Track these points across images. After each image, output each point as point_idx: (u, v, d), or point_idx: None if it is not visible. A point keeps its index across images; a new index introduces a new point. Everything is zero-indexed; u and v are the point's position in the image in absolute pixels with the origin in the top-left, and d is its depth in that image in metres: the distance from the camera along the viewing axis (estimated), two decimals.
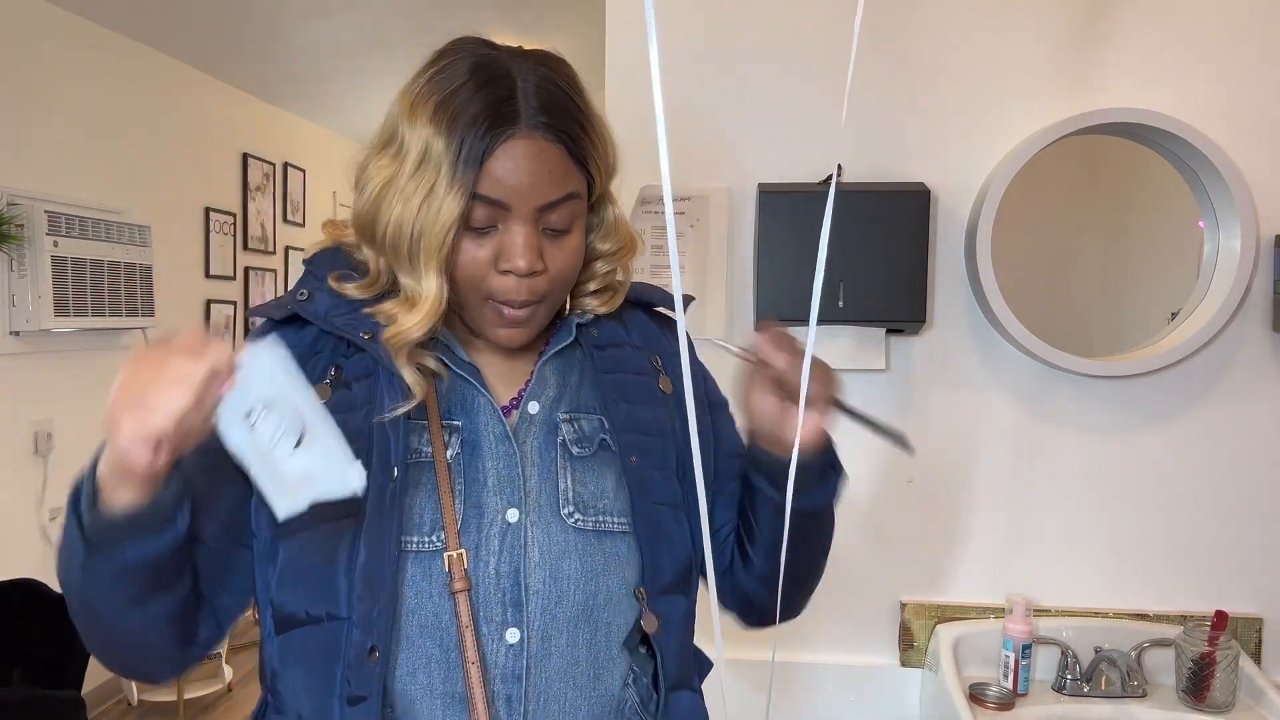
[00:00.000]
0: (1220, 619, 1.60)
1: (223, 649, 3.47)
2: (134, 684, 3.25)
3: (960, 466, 1.76)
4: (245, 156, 4.34)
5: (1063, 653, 1.66)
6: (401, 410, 0.83)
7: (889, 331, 1.72)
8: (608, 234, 0.92)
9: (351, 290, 0.87)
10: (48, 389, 3.13)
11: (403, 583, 0.81)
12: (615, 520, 0.88)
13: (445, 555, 0.82)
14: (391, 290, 0.86)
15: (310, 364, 0.85)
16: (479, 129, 0.79)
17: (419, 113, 0.81)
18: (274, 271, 4.63)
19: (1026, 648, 1.64)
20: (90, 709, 2.99)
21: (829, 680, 1.77)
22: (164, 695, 3.28)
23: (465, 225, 0.81)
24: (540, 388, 0.91)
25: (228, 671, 3.49)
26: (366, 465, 0.79)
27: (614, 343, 0.95)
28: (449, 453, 0.85)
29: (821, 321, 1.67)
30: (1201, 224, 1.72)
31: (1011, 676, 1.63)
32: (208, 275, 4.07)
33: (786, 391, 0.86)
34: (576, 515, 0.86)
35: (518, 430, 0.88)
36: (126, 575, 0.77)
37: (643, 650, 0.90)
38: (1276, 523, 1.72)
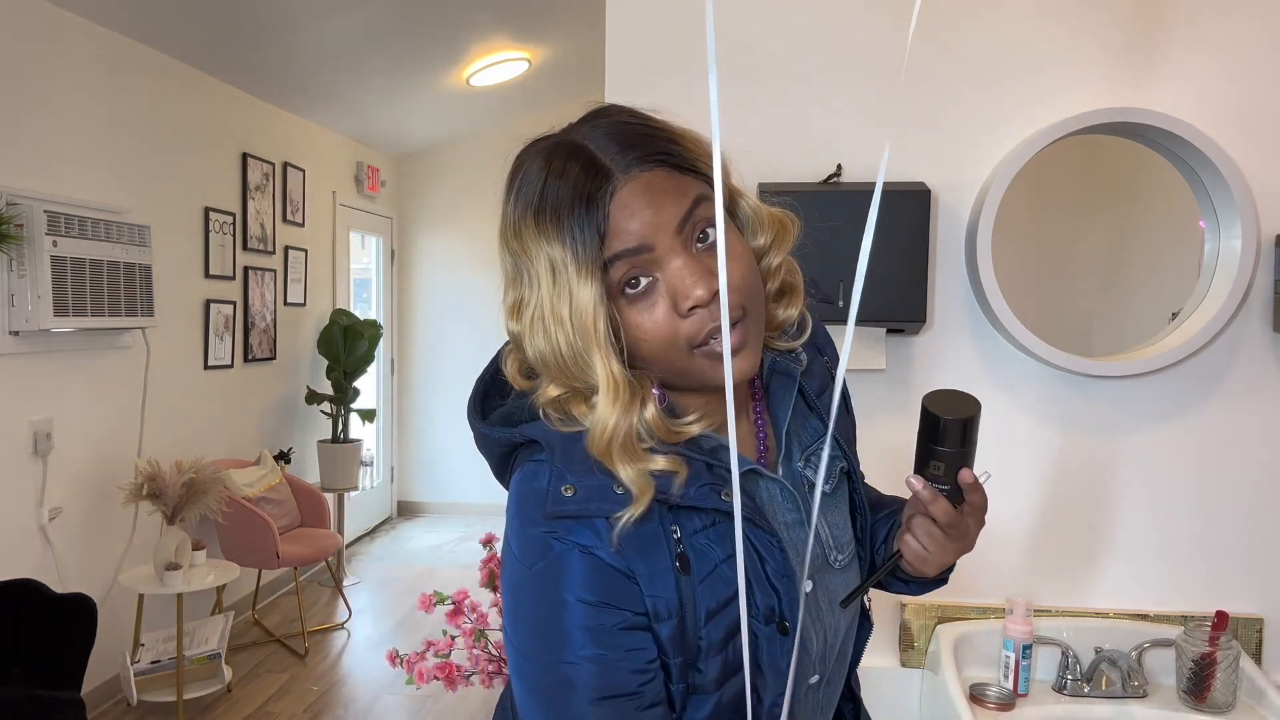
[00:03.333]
0: (1221, 619, 1.59)
1: (222, 649, 3.47)
2: (133, 684, 3.25)
3: None
4: (245, 156, 4.34)
5: (1063, 653, 1.66)
6: (630, 517, 0.76)
7: (889, 331, 1.71)
8: (756, 228, 0.87)
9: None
10: (47, 389, 3.13)
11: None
12: (853, 548, 0.94)
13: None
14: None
15: (659, 530, 0.79)
16: (580, 207, 0.75)
17: (526, 236, 0.77)
18: (273, 271, 4.63)
19: (1027, 648, 1.64)
20: (90, 709, 2.99)
21: None
22: (164, 695, 3.28)
23: (621, 294, 0.76)
24: (783, 454, 0.90)
25: (227, 672, 3.48)
26: (748, 617, 0.78)
27: (809, 362, 0.93)
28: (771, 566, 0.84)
29: (823, 321, 1.67)
30: (1202, 224, 1.72)
31: (1012, 677, 1.63)
32: (207, 275, 4.07)
33: (948, 531, 0.88)
34: (839, 558, 0.91)
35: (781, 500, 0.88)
36: None
37: None
38: (1276, 523, 1.72)
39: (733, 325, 0.77)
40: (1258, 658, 1.70)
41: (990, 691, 1.60)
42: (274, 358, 4.67)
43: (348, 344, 4.98)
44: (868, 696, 1.76)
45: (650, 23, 1.74)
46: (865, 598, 0.99)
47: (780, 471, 0.88)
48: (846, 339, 0.76)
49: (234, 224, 4.26)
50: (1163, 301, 1.81)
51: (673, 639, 0.79)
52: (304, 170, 4.91)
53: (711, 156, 0.80)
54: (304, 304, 4.99)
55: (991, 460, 1.75)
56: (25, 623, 2.56)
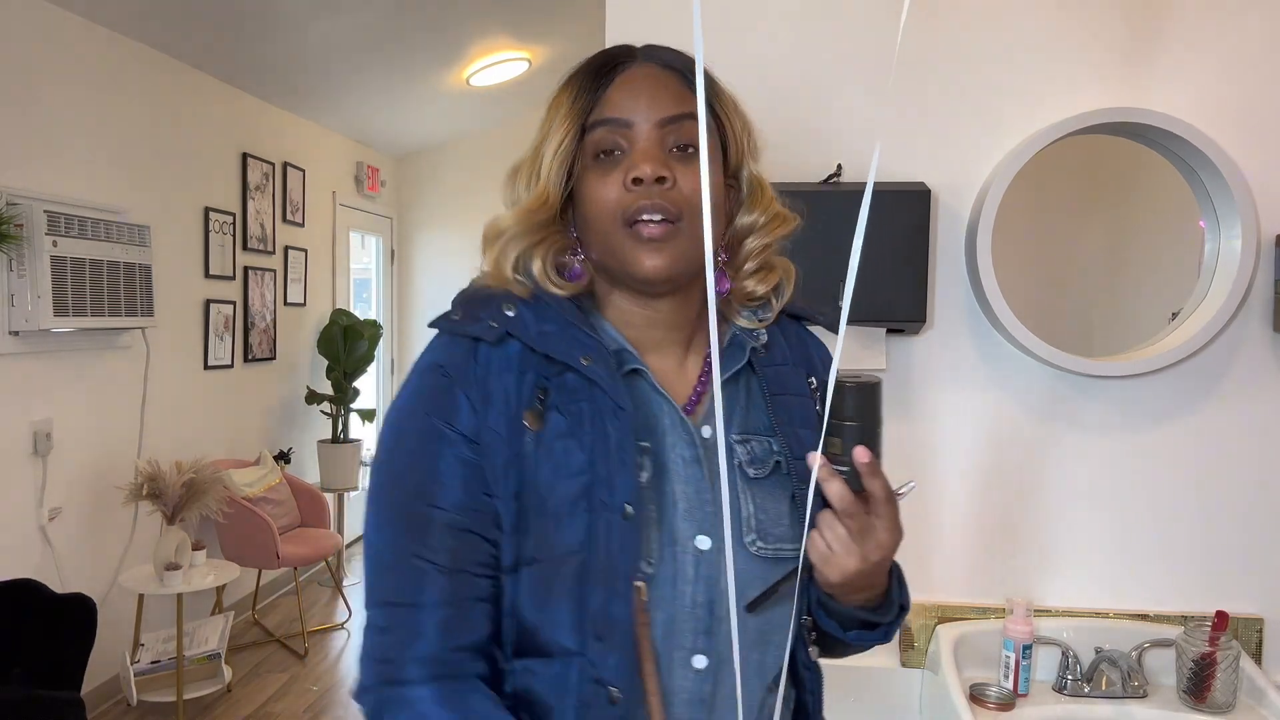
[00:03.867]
0: (1221, 619, 1.59)
1: (222, 649, 3.47)
2: (133, 684, 3.25)
3: (960, 466, 1.76)
4: (245, 156, 4.34)
5: (1063, 653, 1.66)
6: (473, 290, 0.85)
7: (889, 331, 1.71)
8: (752, 204, 0.90)
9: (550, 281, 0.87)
10: (47, 389, 3.13)
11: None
12: (789, 547, 0.87)
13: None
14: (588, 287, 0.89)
15: (518, 384, 0.83)
16: (592, 72, 0.86)
17: (553, 99, 0.88)
18: (273, 271, 4.62)
19: (1027, 648, 1.64)
20: (90, 709, 2.99)
21: (829, 681, 1.76)
22: (164, 695, 3.28)
23: (593, 160, 0.84)
24: (711, 411, 0.89)
25: (227, 672, 3.48)
26: (590, 500, 0.79)
27: (778, 362, 0.93)
28: (643, 476, 0.83)
29: (822, 321, 1.67)
30: (1202, 224, 1.72)
31: (1012, 677, 1.63)
32: (207, 275, 4.07)
33: (850, 526, 0.81)
34: (758, 543, 0.86)
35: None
36: None
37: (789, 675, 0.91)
38: (1276, 523, 1.72)
39: (661, 219, 0.82)
40: (1258, 658, 1.70)
41: (990, 691, 1.60)
42: (274, 358, 4.67)
43: (348, 344, 4.98)
44: (868, 696, 1.77)
45: (649, 23, 1.74)
46: (806, 638, 0.93)
47: (701, 426, 0.88)
48: (839, 340, 0.76)
49: (234, 224, 4.26)
50: (1163, 301, 1.81)
51: (501, 480, 0.81)
52: (304, 170, 4.91)
53: (736, 123, 0.90)
54: (304, 304, 4.99)
55: (991, 460, 1.76)
56: (25, 623, 2.56)
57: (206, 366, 4.09)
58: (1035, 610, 1.71)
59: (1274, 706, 1.56)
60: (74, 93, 3.23)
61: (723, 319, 0.92)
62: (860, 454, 0.78)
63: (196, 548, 3.41)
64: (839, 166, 1.68)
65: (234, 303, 4.28)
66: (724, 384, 0.88)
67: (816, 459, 0.79)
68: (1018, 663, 1.63)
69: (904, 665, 1.77)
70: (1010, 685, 1.63)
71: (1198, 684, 1.58)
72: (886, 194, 1.64)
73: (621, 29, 1.73)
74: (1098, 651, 1.65)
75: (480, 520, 0.81)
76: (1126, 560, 1.74)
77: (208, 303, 4.07)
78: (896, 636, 1.76)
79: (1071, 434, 1.74)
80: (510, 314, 0.84)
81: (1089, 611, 1.73)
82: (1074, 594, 1.75)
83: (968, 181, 1.72)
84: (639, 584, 0.80)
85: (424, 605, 0.79)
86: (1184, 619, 1.68)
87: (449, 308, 0.88)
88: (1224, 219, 1.67)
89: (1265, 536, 1.72)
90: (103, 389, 3.41)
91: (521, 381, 0.83)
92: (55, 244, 2.99)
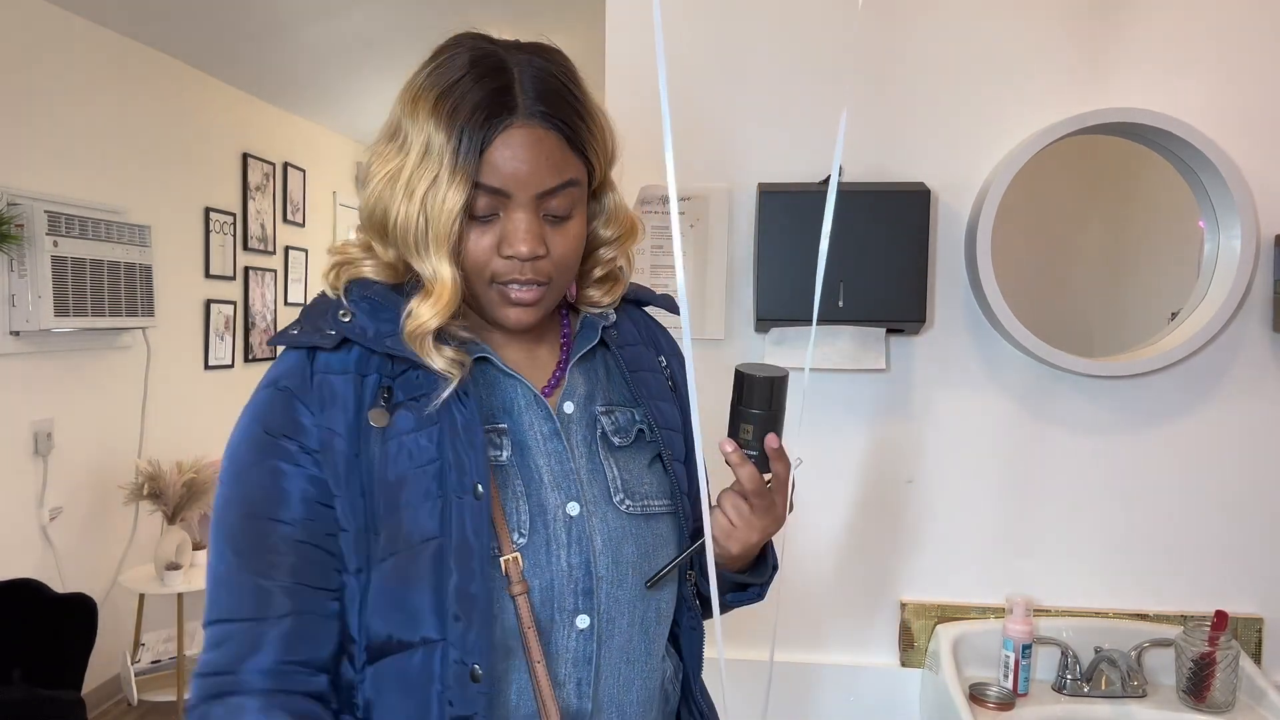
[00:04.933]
0: (1220, 619, 1.60)
1: None
2: (134, 684, 3.25)
3: (960, 466, 1.76)
4: (245, 156, 4.34)
5: (1063, 653, 1.66)
6: (447, 393, 0.82)
7: (889, 331, 1.72)
8: (609, 220, 0.94)
9: (379, 288, 0.87)
10: (48, 389, 3.13)
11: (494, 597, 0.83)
12: (658, 503, 0.92)
13: (502, 560, 0.83)
14: (417, 283, 0.86)
15: (359, 387, 0.84)
16: (478, 119, 0.80)
17: (420, 107, 0.82)
18: (274, 271, 4.63)
19: (1026, 648, 1.64)
20: (90, 709, 2.99)
21: (829, 680, 1.77)
22: (164, 695, 3.28)
23: (470, 215, 0.82)
24: (571, 388, 0.93)
25: None
26: (442, 486, 0.81)
27: (630, 342, 0.98)
28: (503, 455, 0.86)
29: (821, 321, 1.67)
30: (1202, 224, 1.72)
31: (1012, 676, 1.63)
32: (207, 275, 4.07)
33: (755, 505, 0.90)
34: (627, 501, 0.90)
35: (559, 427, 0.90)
36: None
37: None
38: (1276, 523, 1.72)
39: (534, 284, 0.85)
40: (1257, 658, 1.70)
41: (990, 691, 1.61)
42: (274, 358, 4.67)
43: None
44: (868, 696, 1.77)
45: (649, 22, 1.74)
46: (684, 581, 0.97)
47: (563, 402, 0.91)
48: (810, 343, 0.78)
49: (234, 224, 4.26)
50: (1163, 301, 1.81)
51: (345, 483, 0.82)
52: (304, 170, 4.91)
53: (607, 149, 0.90)
54: (305, 304, 4.99)
55: (991, 459, 1.76)
56: (26, 623, 2.56)
57: (207, 366, 4.09)
58: (1035, 610, 1.71)
59: (1274, 706, 1.56)
60: (74, 93, 3.23)
61: (574, 310, 0.98)
62: (771, 440, 0.87)
63: (197, 547, 3.41)
64: (839, 167, 1.68)
65: (234, 303, 4.28)
66: (580, 362, 0.94)
67: (727, 444, 0.87)
68: (1017, 662, 1.63)
69: (904, 665, 1.77)
70: (1010, 685, 1.63)
71: (1197, 684, 1.58)
72: (886, 194, 1.64)
73: (621, 28, 1.73)
74: (1097, 651, 1.65)
75: (322, 534, 0.82)
76: (1126, 560, 1.75)
77: (208, 303, 4.07)
78: (896, 636, 1.77)
79: (1071, 434, 1.74)
80: (346, 320, 0.85)
81: (1088, 611, 1.73)
82: (1074, 594, 1.75)
83: (968, 181, 1.72)
84: (510, 556, 0.83)
85: (264, 619, 0.79)
86: (1183, 619, 1.68)
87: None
88: (1224, 219, 1.67)
89: (1265, 536, 1.72)
90: (103, 389, 3.41)
91: (364, 384, 0.84)
92: (56, 244, 2.99)
